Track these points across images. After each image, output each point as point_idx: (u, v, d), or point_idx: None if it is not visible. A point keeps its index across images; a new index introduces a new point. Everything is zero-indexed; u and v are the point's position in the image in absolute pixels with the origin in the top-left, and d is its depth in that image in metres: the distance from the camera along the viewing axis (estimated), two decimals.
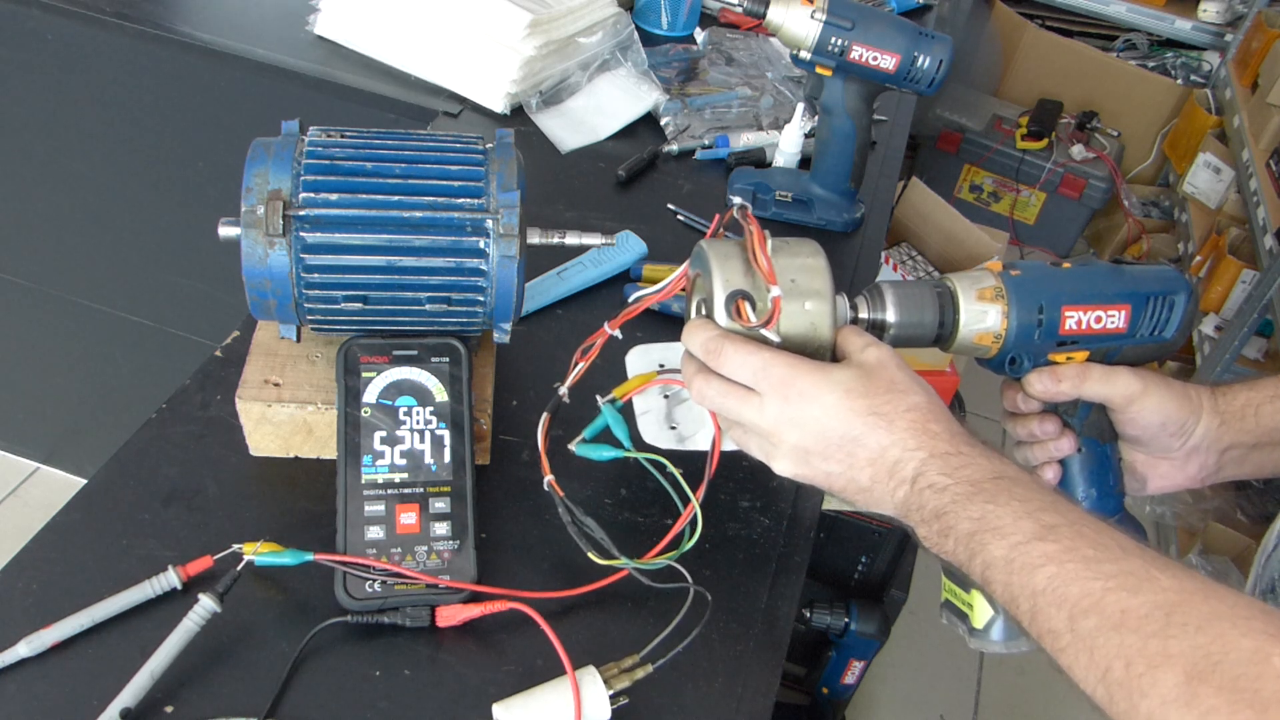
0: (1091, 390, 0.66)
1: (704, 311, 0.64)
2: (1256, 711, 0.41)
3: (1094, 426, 0.69)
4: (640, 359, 0.76)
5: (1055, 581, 0.49)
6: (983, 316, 0.64)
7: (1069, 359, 0.67)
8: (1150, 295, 0.66)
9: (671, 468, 0.68)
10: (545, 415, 0.72)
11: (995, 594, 0.53)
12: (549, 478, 0.69)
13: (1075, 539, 0.51)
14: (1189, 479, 0.71)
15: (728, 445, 0.66)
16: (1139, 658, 0.45)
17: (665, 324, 0.91)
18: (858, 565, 1.57)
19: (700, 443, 0.70)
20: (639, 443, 0.70)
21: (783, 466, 0.61)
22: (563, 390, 0.72)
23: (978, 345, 0.65)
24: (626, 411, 0.71)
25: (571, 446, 0.71)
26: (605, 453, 0.70)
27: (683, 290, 0.69)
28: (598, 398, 0.71)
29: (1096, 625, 0.47)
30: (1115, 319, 0.66)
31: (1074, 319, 0.65)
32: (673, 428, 0.71)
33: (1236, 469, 0.70)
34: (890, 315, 0.65)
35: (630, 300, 0.70)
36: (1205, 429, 0.68)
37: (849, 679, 1.60)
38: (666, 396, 0.73)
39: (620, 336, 0.70)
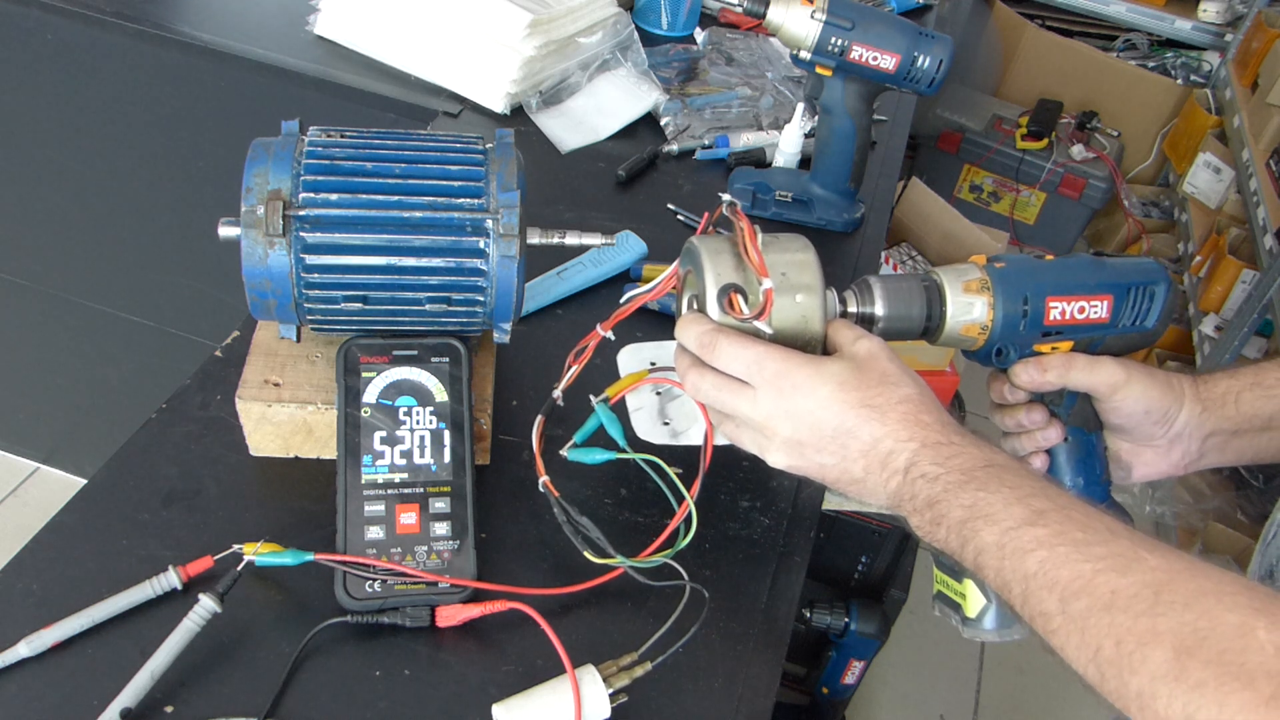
0: (1076, 379, 0.67)
1: (695, 307, 0.64)
2: (1243, 683, 0.41)
3: (1079, 416, 0.70)
4: (632, 358, 0.77)
5: (1046, 565, 0.50)
6: (969, 308, 0.66)
7: (1054, 349, 0.68)
8: (1131, 285, 0.67)
9: (666, 466, 0.68)
10: (540, 418, 0.72)
11: (988, 580, 0.54)
12: (544, 479, 0.70)
13: (1065, 523, 0.52)
14: (1172, 466, 0.72)
15: (720, 440, 0.66)
16: (1129, 636, 0.46)
17: (664, 322, 0.91)
18: (858, 565, 1.57)
19: (693, 438, 0.70)
20: (633, 440, 0.71)
21: (776, 459, 0.62)
22: (557, 393, 0.72)
23: (964, 337, 0.66)
24: (619, 410, 0.72)
25: (563, 452, 0.72)
26: (598, 456, 0.71)
27: (674, 290, 0.69)
28: (591, 397, 0.71)
29: (1087, 606, 0.48)
30: (1098, 309, 0.67)
31: (1058, 310, 0.66)
32: (666, 424, 0.72)
33: (1219, 456, 0.72)
34: (879, 309, 0.66)
35: (622, 300, 0.70)
36: (1188, 416, 0.69)
37: (849, 679, 1.60)
38: (659, 393, 0.73)
39: (614, 338, 0.71)
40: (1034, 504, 0.53)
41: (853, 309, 0.66)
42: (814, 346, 0.63)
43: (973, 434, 0.59)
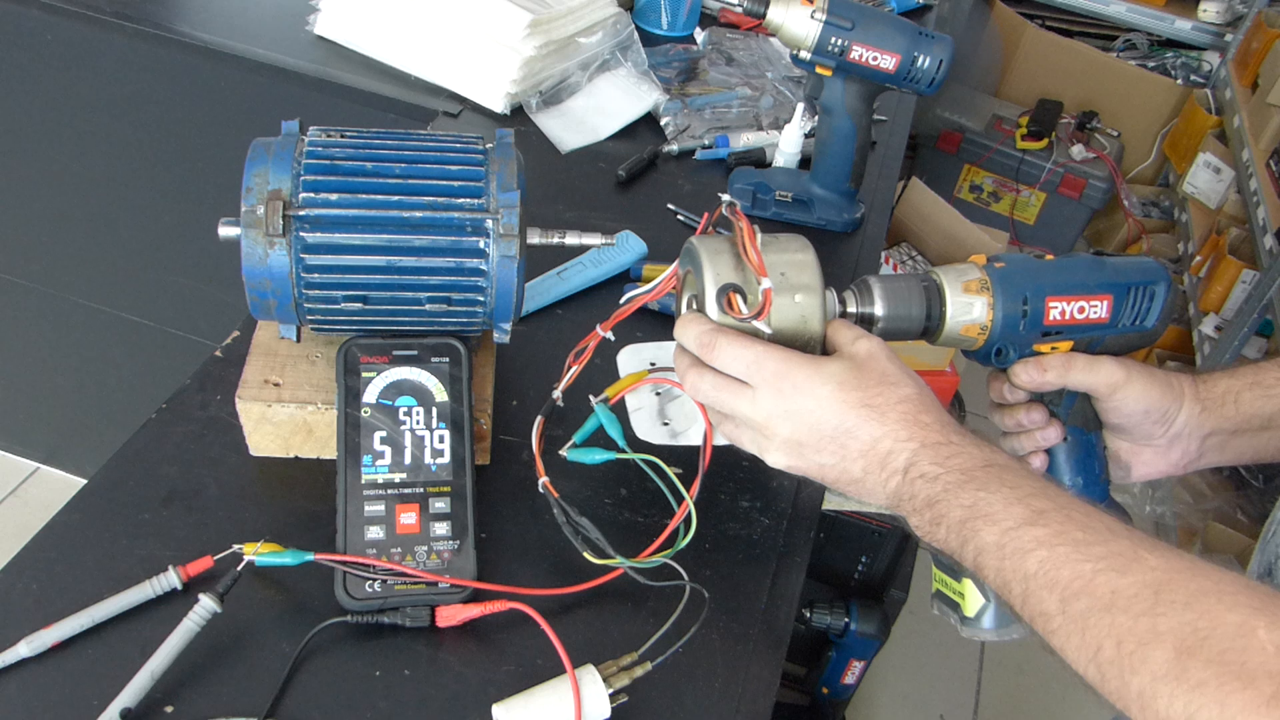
0: (1076, 379, 0.67)
1: (695, 307, 0.64)
2: (1244, 683, 0.41)
3: (1079, 415, 0.70)
4: (631, 358, 0.77)
5: (1046, 565, 0.50)
6: (969, 308, 0.66)
7: (1053, 349, 0.68)
8: (1131, 285, 0.68)
9: (665, 467, 0.69)
10: (539, 419, 0.72)
11: (987, 579, 0.54)
12: (543, 479, 0.70)
13: (1065, 523, 0.52)
14: (1172, 466, 0.72)
15: (719, 440, 0.66)
16: (1129, 636, 0.46)
17: (664, 322, 0.91)
18: (858, 565, 1.57)
19: (693, 438, 0.70)
20: (633, 440, 0.71)
21: (775, 459, 0.62)
22: (557, 394, 0.73)
23: (964, 337, 0.67)
24: (619, 410, 0.72)
25: (563, 453, 0.72)
26: (597, 456, 0.71)
27: (674, 290, 0.69)
28: (590, 398, 0.71)
29: (1087, 606, 0.48)
30: (1098, 309, 0.67)
31: (1058, 309, 0.66)
32: (665, 424, 0.72)
33: (1218, 455, 0.72)
34: (878, 309, 0.66)
35: (622, 301, 0.70)
36: (1187, 416, 0.69)
37: (849, 679, 1.60)
38: (658, 394, 0.73)
39: (613, 339, 0.71)
40: (1034, 504, 0.53)
41: (852, 309, 0.66)
42: (813, 346, 0.63)
43: (972, 434, 0.59)
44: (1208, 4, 2.95)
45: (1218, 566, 0.47)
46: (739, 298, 0.61)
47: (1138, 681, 0.45)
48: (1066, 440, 0.70)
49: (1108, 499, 0.72)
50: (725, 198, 0.66)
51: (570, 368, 0.72)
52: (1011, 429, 0.72)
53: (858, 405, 0.58)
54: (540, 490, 0.70)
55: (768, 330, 0.62)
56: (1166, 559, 0.48)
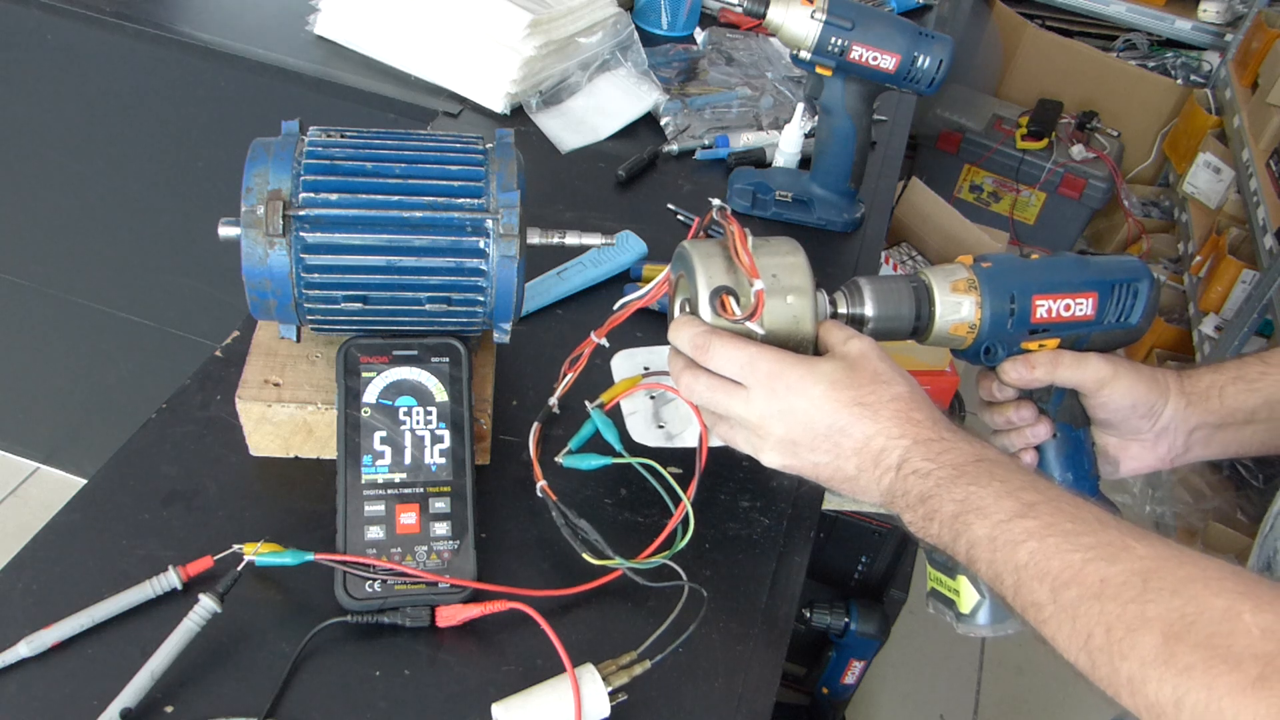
0: (1064, 376, 0.68)
1: (688, 310, 0.65)
2: (1230, 665, 0.42)
3: (1067, 412, 0.71)
4: (625, 363, 0.77)
5: (1037, 556, 0.51)
6: (957, 308, 0.66)
7: (1041, 347, 0.69)
8: (1115, 283, 0.69)
9: (662, 469, 0.69)
10: (536, 425, 0.73)
11: (980, 572, 0.55)
12: (541, 483, 0.70)
13: (1054, 514, 0.52)
14: (1159, 460, 0.73)
15: (714, 441, 0.66)
16: (1118, 623, 0.46)
17: (662, 322, 0.91)
18: (858, 565, 1.57)
19: (688, 439, 0.71)
20: (629, 444, 0.71)
21: (770, 458, 0.62)
22: (553, 401, 0.73)
23: (953, 336, 0.67)
24: (614, 414, 0.72)
25: (559, 459, 0.72)
26: (593, 462, 0.71)
27: (667, 294, 0.69)
28: (586, 403, 0.72)
29: (1077, 595, 0.49)
30: (1083, 306, 0.68)
31: (1044, 307, 0.67)
32: (660, 426, 0.72)
33: (1204, 449, 0.73)
34: (869, 309, 0.67)
35: (616, 307, 0.70)
36: (1173, 410, 0.70)
37: (849, 679, 1.60)
38: (653, 397, 0.74)
39: (608, 345, 0.71)
40: (1024, 497, 0.54)
41: (843, 310, 0.67)
42: (805, 347, 0.63)
43: (964, 430, 0.60)
44: (1208, 4, 2.95)
45: (1204, 555, 0.48)
46: (732, 300, 0.62)
47: (1127, 667, 0.45)
48: (1056, 436, 0.71)
49: (1097, 494, 0.73)
50: (715, 202, 0.66)
51: (565, 374, 0.73)
52: (1001, 426, 0.72)
53: (850, 404, 0.59)
54: (539, 494, 0.70)
55: (761, 331, 0.62)
56: (1154, 548, 0.49)
